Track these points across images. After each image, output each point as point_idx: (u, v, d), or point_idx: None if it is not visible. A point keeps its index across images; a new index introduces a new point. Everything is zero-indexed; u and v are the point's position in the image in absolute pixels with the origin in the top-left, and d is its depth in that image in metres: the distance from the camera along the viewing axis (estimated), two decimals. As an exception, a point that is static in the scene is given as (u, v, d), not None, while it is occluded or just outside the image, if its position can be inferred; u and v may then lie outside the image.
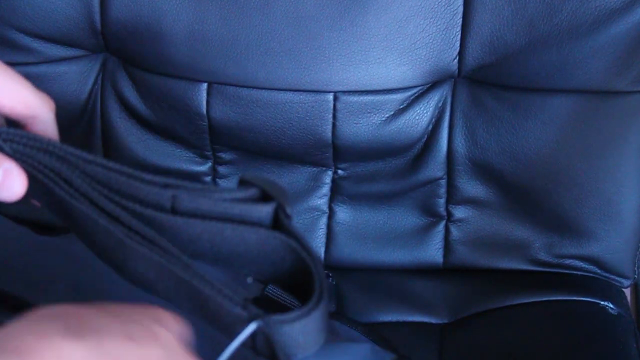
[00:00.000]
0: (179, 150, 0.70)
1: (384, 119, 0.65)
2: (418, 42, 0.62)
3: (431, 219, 0.71)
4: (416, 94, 0.65)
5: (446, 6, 0.61)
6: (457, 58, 0.63)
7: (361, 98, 0.65)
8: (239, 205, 0.39)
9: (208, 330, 0.38)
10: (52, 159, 0.39)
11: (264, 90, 0.65)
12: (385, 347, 0.56)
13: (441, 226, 0.71)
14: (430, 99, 0.66)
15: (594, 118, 0.63)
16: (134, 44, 0.65)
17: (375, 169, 0.69)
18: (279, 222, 0.39)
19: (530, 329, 0.65)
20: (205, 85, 0.66)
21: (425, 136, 0.67)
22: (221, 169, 0.71)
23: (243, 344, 0.36)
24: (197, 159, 0.70)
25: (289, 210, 0.39)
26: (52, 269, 0.54)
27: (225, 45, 0.64)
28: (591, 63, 0.61)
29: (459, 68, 0.64)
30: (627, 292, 0.71)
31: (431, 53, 0.63)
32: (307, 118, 0.65)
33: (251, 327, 0.36)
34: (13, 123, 0.42)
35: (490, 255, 0.70)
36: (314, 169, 0.70)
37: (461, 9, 0.62)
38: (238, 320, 0.36)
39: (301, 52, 0.63)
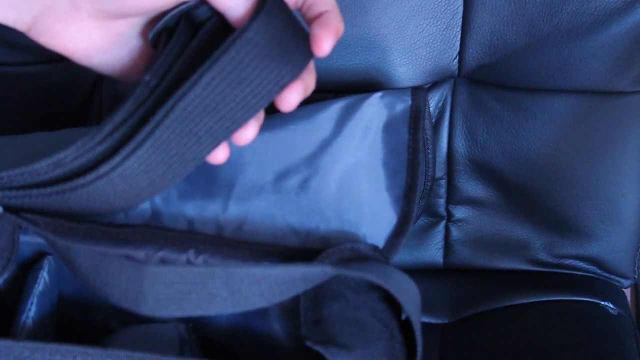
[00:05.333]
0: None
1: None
2: (418, 42, 0.62)
3: (431, 219, 0.71)
4: (416, 94, 0.65)
5: (446, 6, 0.61)
6: (457, 58, 0.63)
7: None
8: None
9: None
10: None
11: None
12: None
13: (441, 226, 0.71)
14: (430, 99, 0.65)
15: (594, 118, 0.63)
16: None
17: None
18: None
19: (530, 329, 0.65)
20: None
21: (426, 136, 0.67)
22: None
23: None
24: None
25: None
26: None
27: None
28: (591, 63, 0.61)
29: (459, 68, 0.64)
30: (627, 292, 0.72)
31: (431, 53, 0.63)
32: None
33: None
34: None
35: (490, 255, 0.70)
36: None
37: (461, 8, 0.61)
38: None
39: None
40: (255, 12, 0.41)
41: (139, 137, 0.41)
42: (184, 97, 0.41)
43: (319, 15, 0.44)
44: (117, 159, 0.41)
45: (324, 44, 0.43)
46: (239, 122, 0.43)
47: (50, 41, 0.43)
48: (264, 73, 0.42)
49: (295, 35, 0.43)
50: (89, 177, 0.41)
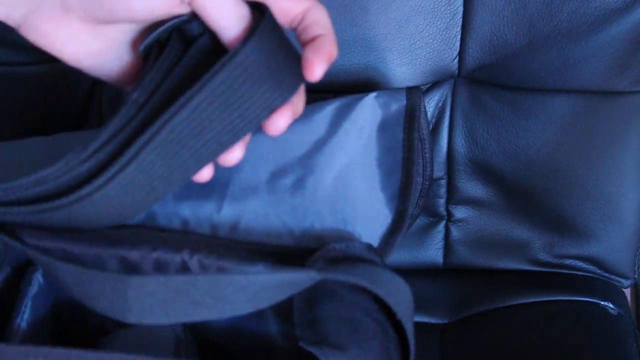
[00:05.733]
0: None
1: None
2: (418, 42, 0.62)
3: (431, 219, 0.71)
4: (416, 94, 0.65)
5: (446, 6, 0.61)
6: (457, 58, 0.63)
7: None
8: None
9: None
10: None
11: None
12: None
13: (441, 226, 0.71)
14: (430, 99, 0.65)
15: (594, 118, 0.63)
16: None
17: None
18: None
19: (530, 329, 0.65)
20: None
21: (425, 136, 0.67)
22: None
23: None
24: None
25: None
26: None
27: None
28: (591, 63, 0.61)
29: (459, 68, 0.64)
30: (627, 292, 0.71)
31: (431, 53, 0.63)
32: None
33: None
34: None
35: (490, 255, 0.70)
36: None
37: (461, 9, 0.61)
38: None
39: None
40: (248, 35, 0.41)
41: (124, 159, 0.41)
42: (171, 120, 0.40)
43: (313, 39, 0.43)
44: (100, 180, 0.41)
45: (316, 69, 0.42)
46: (226, 145, 0.43)
47: (39, 39, 0.43)
48: (254, 97, 0.42)
49: (287, 58, 0.43)
50: (71, 197, 0.41)
